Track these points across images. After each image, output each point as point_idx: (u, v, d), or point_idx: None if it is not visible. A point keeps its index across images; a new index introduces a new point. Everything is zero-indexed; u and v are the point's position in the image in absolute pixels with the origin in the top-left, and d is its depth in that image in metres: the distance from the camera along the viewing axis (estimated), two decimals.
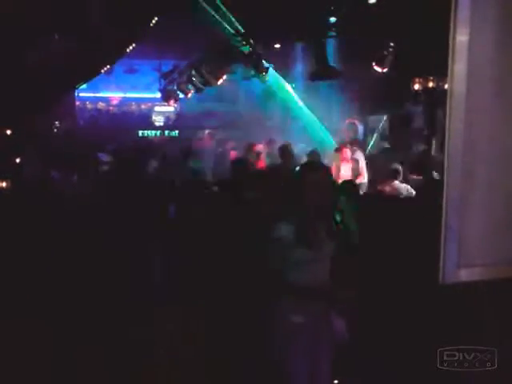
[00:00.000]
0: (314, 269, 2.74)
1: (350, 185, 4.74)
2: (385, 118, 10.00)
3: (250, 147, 8.19)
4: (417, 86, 8.19)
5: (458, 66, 1.82)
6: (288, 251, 2.72)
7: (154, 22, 6.53)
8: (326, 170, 3.01)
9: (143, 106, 17.20)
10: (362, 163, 7.70)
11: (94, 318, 3.69)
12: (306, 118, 11.06)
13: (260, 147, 8.34)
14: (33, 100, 7.54)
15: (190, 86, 11.39)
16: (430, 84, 8.04)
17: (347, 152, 7.67)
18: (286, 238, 2.71)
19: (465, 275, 2.00)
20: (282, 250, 2.72)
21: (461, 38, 1.80)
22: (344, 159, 7.59)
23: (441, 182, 1.97)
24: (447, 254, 1.93)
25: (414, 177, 6.36)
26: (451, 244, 1.94)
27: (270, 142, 8.73)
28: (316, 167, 3.00)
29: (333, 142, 9.74)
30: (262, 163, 7.88)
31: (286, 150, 7.38)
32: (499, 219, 1.97)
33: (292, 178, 3.13)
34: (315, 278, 2.76)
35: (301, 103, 11.21)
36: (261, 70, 9.34)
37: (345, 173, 7.43)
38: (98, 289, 3.94)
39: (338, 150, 7.84)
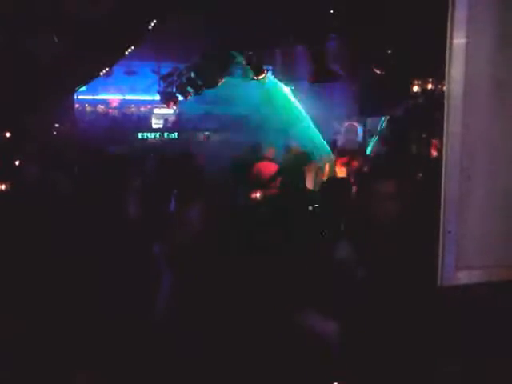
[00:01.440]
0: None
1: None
2: (384, 120, 10.00)
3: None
4: (415, 88, 8.21)
5: (456, 69, 1.83)
6: (349, 275, 2.45)
7: (152, 25, 6.53)
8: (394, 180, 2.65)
9: (142, 109, 17.21)
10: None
11: (92, 319, 3.68)
12: (305, 120, 11.08)
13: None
14: (32, 102, 7.54)
15: (189, 89, 11.40)
16: (429, 86, 8.06)
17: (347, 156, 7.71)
18: (348, 260, 2.47)
19: (463, 277, 2.00)
20: (344, 274, 2.45)
21: (458, 40, 1.81)
22: (342, 162, 7.61)
23: None
24: (445, 257, 1.93)
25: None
26: (449, 246, 1.94)
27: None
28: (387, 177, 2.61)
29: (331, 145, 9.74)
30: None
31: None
32: (497, 221, 1.98)
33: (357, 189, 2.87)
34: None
35: (300, 105, 11.23)
36: (260, 73, 9.35)
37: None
38: (96, 291, 3.93)
39: (340, 153, 7.87)
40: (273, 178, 6.77)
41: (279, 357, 2.90)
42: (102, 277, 4.09)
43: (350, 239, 2.51)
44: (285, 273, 2.89)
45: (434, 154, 7.14)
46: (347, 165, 7.58)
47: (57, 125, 11.34)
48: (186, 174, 6.13)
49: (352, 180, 7.20)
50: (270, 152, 7.92)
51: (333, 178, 6.23)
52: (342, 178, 6.59)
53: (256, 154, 8.14)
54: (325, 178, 6.94)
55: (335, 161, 7.68)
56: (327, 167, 7.66)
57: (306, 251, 2.88)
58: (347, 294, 2.63)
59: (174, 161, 7.51)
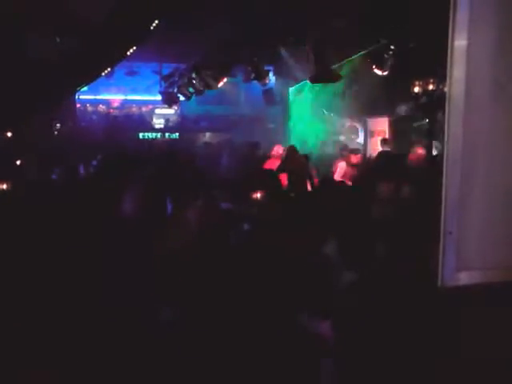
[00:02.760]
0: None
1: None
2: (386, 120, 10.00)
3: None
4: (417, 89, 8.21)
5: (457, 70, 1.83)
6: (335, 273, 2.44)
7: (154, 24, 6.53)
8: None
9: (144, 109, 17.20)
10: None
11: (90, 320, 3.68)
12: (306, 121, 11.10)
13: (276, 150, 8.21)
14: (34, 103, 7.55)
15: (190, 89, 11.41)
16: (430, 86, 8.06)
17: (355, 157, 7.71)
18: (334, 257, 2.45)
19: (464, 278, 2.00)
20: (328, 271, 2.45)
21: (459, 41, 1.81)
22: (356, 161, 7.63)
23: None
24: (446, 257, 1.93)
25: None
26: (450, 247, 1.94)
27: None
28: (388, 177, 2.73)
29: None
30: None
31: None
32: (498, 222, 1.98)
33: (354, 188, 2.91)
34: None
35: (301, 105, 11.25)
36: (261, 73, 9.36)
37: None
38: (95, 290, 3.93)
39: (353, 151, 7.87)
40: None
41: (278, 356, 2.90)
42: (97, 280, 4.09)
43: (339, 238, 2.53)
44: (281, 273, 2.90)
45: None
46: (357, 165, 7.60)
47: (58, 124, 11.37)
48: (185, 174, 6.15)
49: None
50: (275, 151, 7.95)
51: (329, 180, 6.25)
52: (340, 180, 6.64)
53: (257, 153, 8.16)
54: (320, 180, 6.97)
55: (346, 161, 7.69)
56: (339, 167, 7.68)
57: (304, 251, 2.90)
58: (333, 293, 2.64)
59: (175, 161, 7.53)
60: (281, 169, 6.96)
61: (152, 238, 4.40)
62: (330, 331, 2.86)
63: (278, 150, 7.91)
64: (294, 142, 9.33)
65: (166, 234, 4.45)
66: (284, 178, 6.79)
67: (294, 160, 7.20)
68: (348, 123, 10.77)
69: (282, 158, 7.43)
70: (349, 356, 3.05)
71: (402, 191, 3.79)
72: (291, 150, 7.47)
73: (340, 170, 7.59)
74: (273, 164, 7.46)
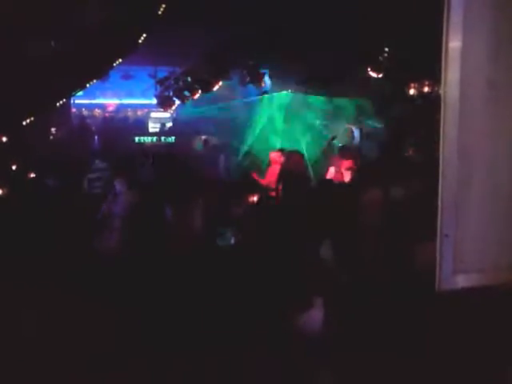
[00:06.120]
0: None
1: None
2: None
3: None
4: (412, 91, 8.21)
5: (451, 72, 1.83)
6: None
7: (142, 39, 6.49)
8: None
9: (139, 113, 17.19)
10: None
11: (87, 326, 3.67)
12: (303, 124, 11.10)
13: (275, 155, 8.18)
14: (29, 107, 7.52)
15: (186, 92, 11.39)
16: (426, 89, 8.06)
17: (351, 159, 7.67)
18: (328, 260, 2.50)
19: (461, 281, 1.99)
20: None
21: (453, 44, 1.80)
22: (347, 166, 7.58)
23: None
24: (443, 261, 1.93)
25: None
26: (447, 250, 1.94)
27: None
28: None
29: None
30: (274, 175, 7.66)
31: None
32: (494, 224, 1.97)
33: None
34: None
35: (297, 109, 11.25)
36: (257, 76, 9.35)
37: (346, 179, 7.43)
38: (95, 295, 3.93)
39: (344, 156, 7.82)
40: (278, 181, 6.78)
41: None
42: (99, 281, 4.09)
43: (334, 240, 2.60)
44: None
45: None
46: (351, 169, 7.53)
47: (53, 129, 11.33)
48: (182, 178, 6.14)
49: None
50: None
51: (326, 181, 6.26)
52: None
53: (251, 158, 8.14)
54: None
55: (339, 164, 7.63)
56: (332, 170, 7.66)
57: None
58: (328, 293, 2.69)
59: (170, 164, 7.51)
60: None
61: (153, 242, 4.40)
62: (324, 328, 2.86)
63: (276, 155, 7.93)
64: (285, 145, 9.34)
65: (169, 236, 4.45)
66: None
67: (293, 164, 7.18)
68: (344, 125, 10.76)
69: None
70: (345, 356, 3.05)
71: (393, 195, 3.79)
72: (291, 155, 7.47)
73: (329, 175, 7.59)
74: (275, 171, 7.46)
